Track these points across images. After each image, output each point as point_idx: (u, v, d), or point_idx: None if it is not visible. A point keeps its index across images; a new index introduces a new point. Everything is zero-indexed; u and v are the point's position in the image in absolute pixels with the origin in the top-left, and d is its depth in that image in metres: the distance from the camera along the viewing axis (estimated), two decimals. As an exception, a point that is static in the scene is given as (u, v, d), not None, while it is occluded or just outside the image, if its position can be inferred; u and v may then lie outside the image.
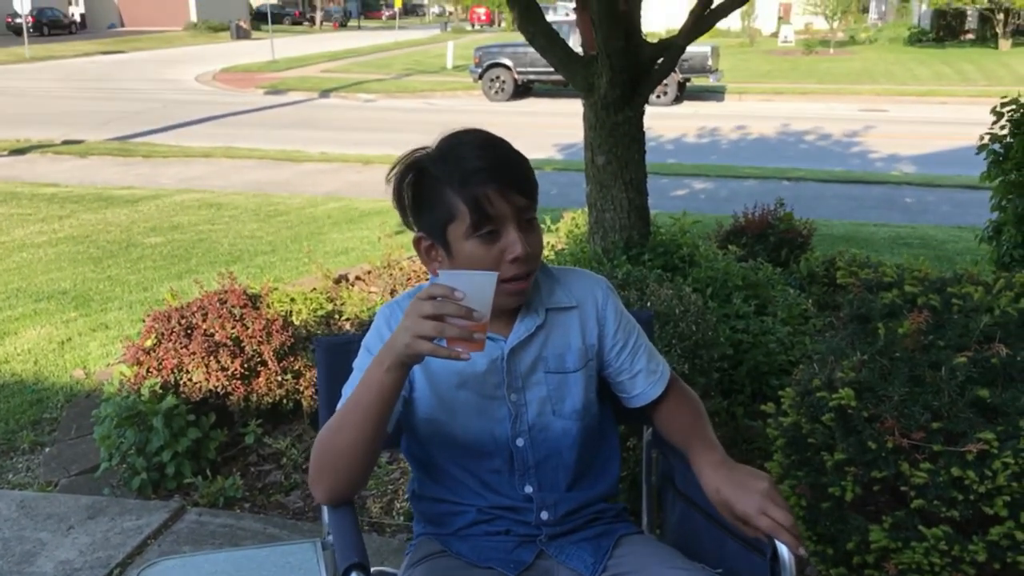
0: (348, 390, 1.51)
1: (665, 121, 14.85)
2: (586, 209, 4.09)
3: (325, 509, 1.58)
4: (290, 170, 11.44)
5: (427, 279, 1.60)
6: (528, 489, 1.54)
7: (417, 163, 1.48)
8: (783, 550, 1.37)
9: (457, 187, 1.41)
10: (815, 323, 3.86)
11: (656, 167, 6.01)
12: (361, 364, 1.53)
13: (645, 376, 1.64)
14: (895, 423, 1.99)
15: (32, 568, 2.65)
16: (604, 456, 1.65)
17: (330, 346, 1.76)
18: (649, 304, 2.78)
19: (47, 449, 3.57)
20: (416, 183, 1.48)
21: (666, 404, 1.66)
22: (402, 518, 2.92)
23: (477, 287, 1.30)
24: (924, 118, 16.61)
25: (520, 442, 1.53)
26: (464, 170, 1.41)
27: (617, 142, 3.74)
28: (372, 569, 1.63)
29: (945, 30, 34.38)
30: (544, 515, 1.54)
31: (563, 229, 5.48)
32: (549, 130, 13.70)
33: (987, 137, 4.07)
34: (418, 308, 1.29)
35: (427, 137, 1.52)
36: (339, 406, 1.50)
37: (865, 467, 2.04)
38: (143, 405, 3.10)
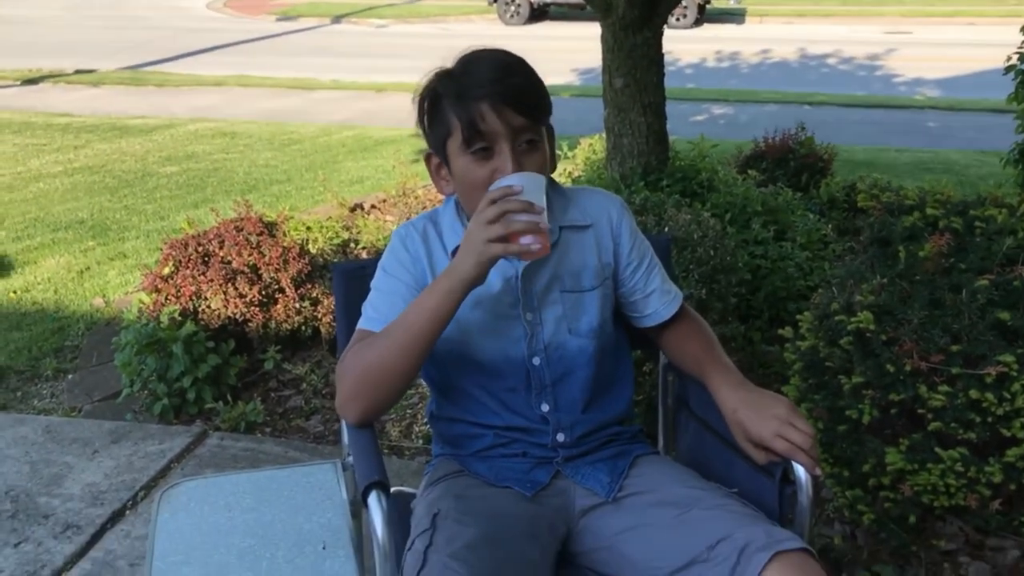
0: (369, 308, 1.52)
1: (684, 44, 14.54)
2: (603, 134, 4.03)
3: (346, 431, 1.60)
4: (303, 98, 11.34)
5: (441, 205, 1.59)
6: (544, 408, 1.54)
7: (432, 81, 1.47)
8: (799, 470, 1.37)
9: (454, 101, 1.41)
10: (834, 248, 3.83)
11: (675, 92, 5.91)
12: (379, 284, 1.53)
13: (659, 296, 1.63)
14: (914, 346, 1.98)
15: (60, 490, 2.71)
16: (618, 377, 1.65)
17: (346, 272, 1.76)
18: (667, 229, 2.76)
19: (70, 376, 3.62)
20: (430, 101, 1.47)
21: (678, 328, 1.65)
22: (421, 441, 2.95)
23: (528, 182, 1.34)
24: (950, 40, 16.18)
25: (536, 360, 1.53)
26: (462, 84, 1.40)
27: (635, 64, 3.66)
28: (391, 489, 1.66)
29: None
30: (560, 437, 1.55)
31: (580, 156, 5.42)
32: (566, 55, 13.45)
33: (1015, 57, 3.96)
34: (481, 218, 1.32)
35: (440, 64, 1.49)
36: (362, 325, 1.50)
37: (882, 390, 2.04)
38: (163, 332, 3.12)
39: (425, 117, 1.50)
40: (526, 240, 1.31)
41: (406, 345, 1.39)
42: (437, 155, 1.51)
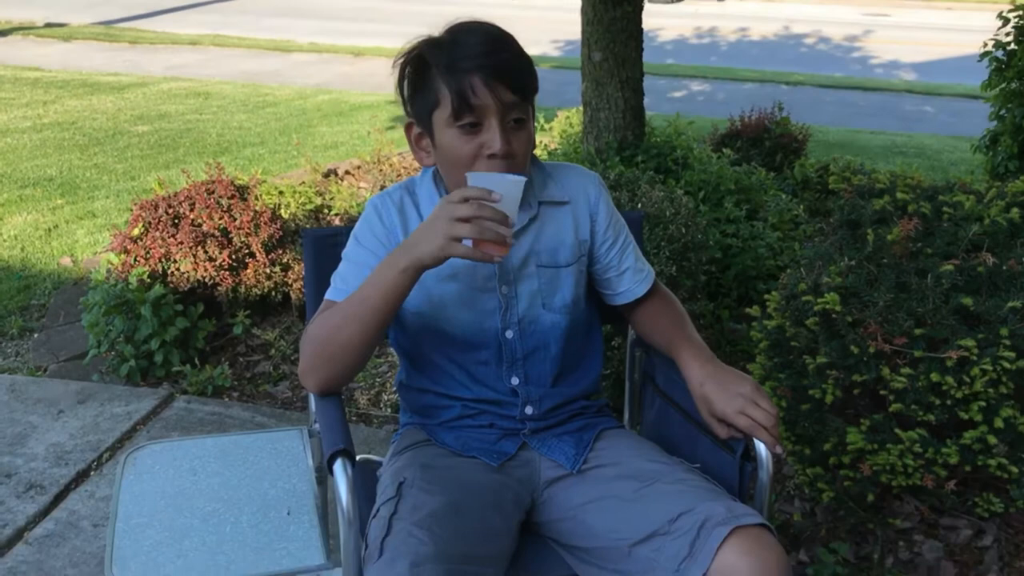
0: (339, 279, 1.51)
1: (665, 20, 14.53)
2: (581, 108, 4.03)
3: (312, 398, 1.60)
4: (280, 60, 11.20)
5: (417, 173, 1.58)
6: (515, 381, 1.55)
7: (417, 47, 1.44)
8: (760, 448, 1.40)
9: (444, 72, 1.39)
10: (806, 229, 3.86)
11: (654, 67, 5.90)
12: (349, 254, 1.52)
13: (632, 274, 1.64)
14: (878, 328, 2.01)
15: (24, 449, 2.69)
16: (588, 353, 1.66)
17: (317, 238, 1.75)
18: (640, 206, 2.77)
19: (36, 335, 3.58)
20: (414, 68, 1.45)
21: (649, 305, 1.66)
22: (389, 410, 2.96)
23: (509, 190, 1.29)
24: (928, 23, 16.27)
25: (509, 334, 1.54)
26: (454, 55, 1.38)
27: (614, 38, 3.66)
28: (358, 457, 1.66)
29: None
30: (528, 410, 1.56)
31: (557, 128, 5.42)
32: (546, 25, 13.39)
33: (990, 43, 3.99)
34: (451, 211, 1.28)
35: (418, 30, 1.47)
36: (329, 295, 1.50)
37: (846, 371, 2.07)
38: (131, 293, 3.10)
39: (407, 84, 1.47)
40: (489, 249, 1.29)
41: (362, 318, 1.39)
42: (419, 125, 1.48)
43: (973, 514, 2.28)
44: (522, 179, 1.30)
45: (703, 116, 6.85)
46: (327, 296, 1.50)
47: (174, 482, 1.63)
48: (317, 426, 1.60)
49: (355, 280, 1.47)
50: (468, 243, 1.28)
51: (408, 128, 1.52)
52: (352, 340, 1.41)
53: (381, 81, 9.21)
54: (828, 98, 9.66)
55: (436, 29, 1.45)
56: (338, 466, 1.33)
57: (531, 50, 1.46)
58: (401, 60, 1.47)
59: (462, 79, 1.37)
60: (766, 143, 4.99)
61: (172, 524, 1.52)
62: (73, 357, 3.35)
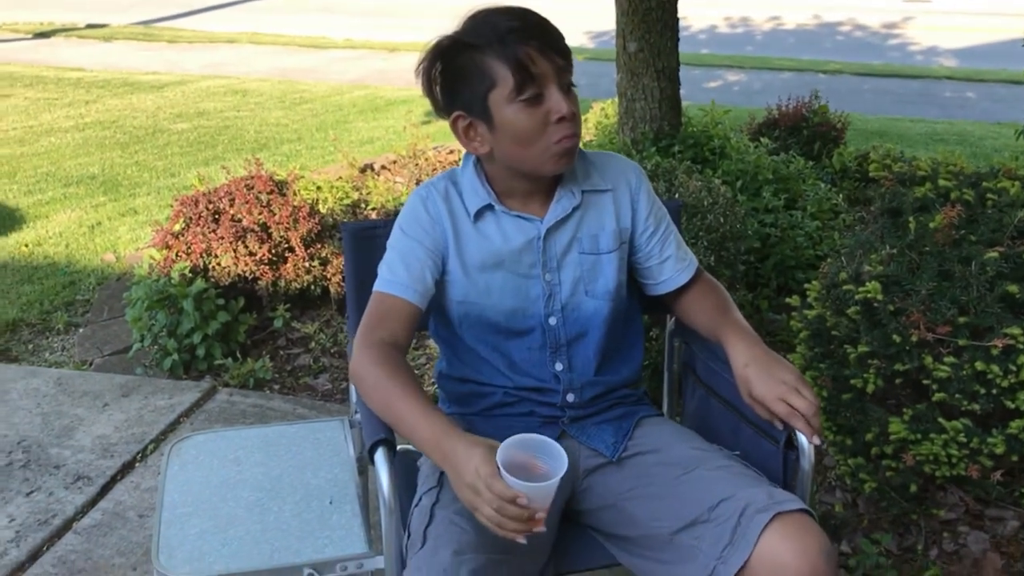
0: (386, 270, 1.50)
1: (693, 9, 14.38)
2: (616, 99, 4.01)
3: (353, 389, 1.61)
4: (315, 57, 11.28)
5: (456, 164, 1.58)
6: (558, 367, 1.55)
7: (447, 40, 1.43)
8: (802, 438, 1.39)
9: (497, 49, 1.37)
10: (845, 218, 3.82)
11: (689, 57, 5.87)
12: (396, 244, 1.52)
13: (674, 262, 1.63)
14: (921, 317, 1.98)
15: (71, 441, 2.75)
16: (630, 341, 1.66)
17: (356, 232, 1.76)
18: (678, 196, 2.76)
19: (81, 330, 3.65)
20: (449, 60, 1.43)
21: (692, 292, 1.65)
22: (427, 402, 2.97)
23: (542, 495, 1.20)
24: (969, 8, 15.95)
25: (553, 320, 1.54)
26: (501, 31, 1.37)
27: (650, 28, 3.64)
28: (397, 447, 1.68)
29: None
30: (570, 397, 1.56)
31: (592, 120, 5.40)
32: (580, 17, 13.33)
33: (1035, 28, 3.91)
34: (473, 503, 1.21)
35: (453, 23, 1.46)
36: (377, 287, 1.49)
37: (888, 360, 2.05)
38: (173, 288, 3.14)
39: (443, 78, 1.45)
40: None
41: (387, 418, 1.38)
42: (469, 114, 1.45)
43: (1020, 505, 2.24)
44: (555, 482, 1.21)
45: (739, 106, 6.79)
46: (376, 288, 1.49)
47: (218, 472, 1.66)
48: (358, 416, 1.61)
49: (402, 270, 1.47)
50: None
51: (455, 122, 1.47)
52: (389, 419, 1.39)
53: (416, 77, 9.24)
54: (866, 86, 9.52)
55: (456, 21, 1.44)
56: (379, 455, 1.34)
57: (568, 42, 1.46)
58: (428, 59, 1.45)
59: (519, 51, 1.36)
60: (804, 132, 4.93)
61: (217, 513, 1.54)
62: (117, 351, 3.41)
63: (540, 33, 1.38)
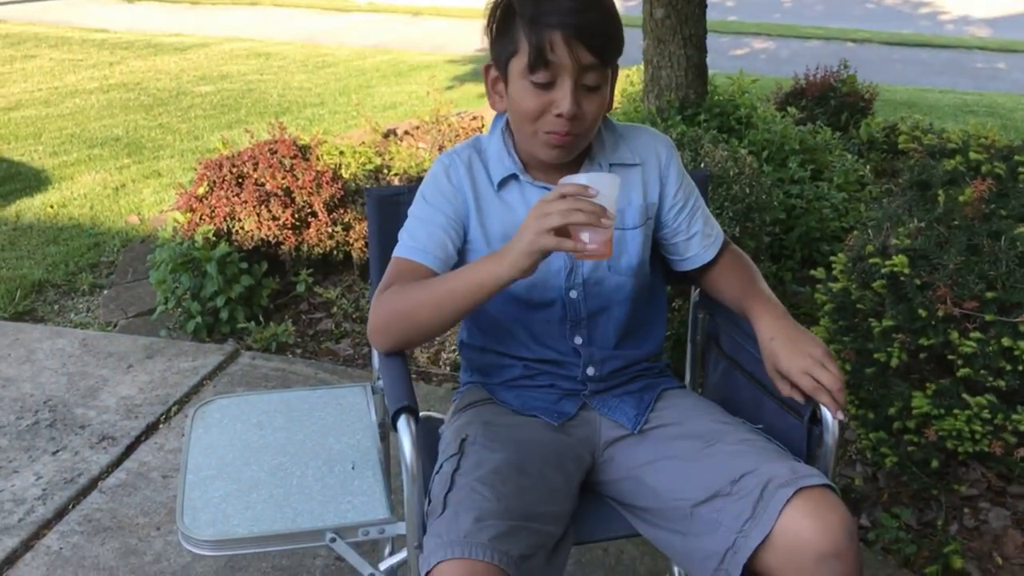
0: (407, 236, 1.50)
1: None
2: (642, 66, 3.97)
3: (376, 355, 1.62)
4: (338, 20, 11.22)
5: (478, 132, 1.57)
6: (578, 340, 1.55)
7: None
8: (826, 413, 1.38)
9: (527, 23, 1.35)
10: (872, 190, 3.78)
11: (715, 24, 5.78)
12: (417, 212, 1.52)
13: (700, 239, 1.61)
14: (948, 291, 1.96)
15: (96, 402, 2.78)
16: (652, 316, 1.65)
17: (380, 198, 1.75)
18: (703, 165, 2.73)
19: (105, 291, 3.68)
20: (502, 12, 1.42)
21: (719, 266, 1.64)
22: (448, 368, 2.99)
23: (605, 186, 1.24)
24: (1003, -22, 15.65)
25: (573, 294, 1.53)
26: (538, 8, 1.34)
27: (677, -6, 3.58)
28: (420, 414, 1.68)
29: None
30: (590, 371, 1.56)
31: (617, 87, 5.34)
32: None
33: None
34: (543, 207, 1.24)
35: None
36: (397, 252, 1.50)
37: (913, 335, 2.03)
38: (197, 251, 3.16)
39: (494, 27, 1.44)
40: (586, 236, 1.23)
41: (443, 307, 1.38)
42: (497, 69, 1.46)
43: (1042, 482, 2.23)
44: (617, 178, 1.26)
45: (766, 75, 6.71)
46: (396, 254, 1.50)
47: (242, 436, 1.67)
48: (380, 382, 1.61)
49: (424, 237, 1.47)
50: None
51: (486, 70, 1.49)
52: (429, 324, 1.41)
53: (440, 41, 9.17)
54: (896, 56, 9.38)
55: None
56: (402, 422, 1.34)
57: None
58: (492, 4, 1.44)
59: (543, 34, 1.34)
60: (831, 102, 4.88)
61: (240, 476, 1.56)
62: (141, 313, 3.43)
63: (577, 23, 1.33)
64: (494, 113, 1.56)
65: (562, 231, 1.23)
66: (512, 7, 1.39)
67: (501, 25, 1.42)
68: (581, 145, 1.46)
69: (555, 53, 1.34)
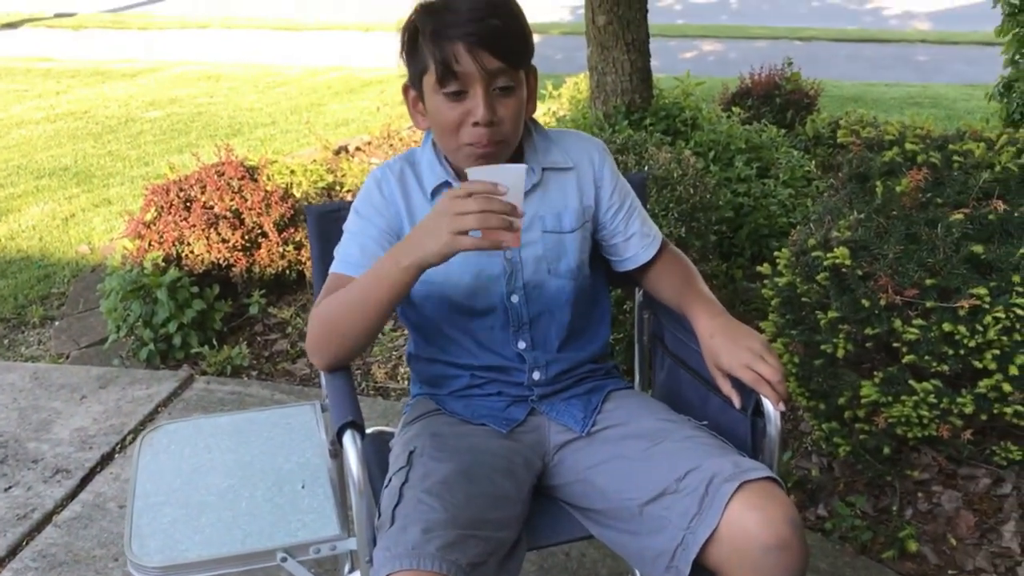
0: (341, 252, 1.51)
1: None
2: (587, 73, 4.00)
3: (323, 374, 1.61)
4: (289, 39, 11.18)
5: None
6: (521, 345, 1.55)
7: (413, 13, 1.44)
8: (768, 404, 1.39)
9: (430, 39, 1.38)
10: (818, 185, 3.83)
11: (663, 28, 5.85)
12: (350, 227, 1.53)
13: (638, 239, 1.63)
14: (889, 281, 1.99)
15: (49, 435, 2.73)
16: (596, 318, 1.66)
17: (321, 214, 1.75)
18: (647, 168, 2.76)
19: (56, 323, 3.63)
20: (409, 34, 1.44)
21: (658, 266, 1.66)
22: (406, 383, 2.98)
23: (512, 180, 1.25)
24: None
25: (515, 299, 1.54)
26: (438, 22, 1.37)
27: (618, 1, 3.62)
28: (370, 429, 1.68)
29: None
30: (536, 375, 1.57)
31: (565, 95, 5.37)
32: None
33: (1003, -12, 3.91)
34: (456, 206, 1.24)
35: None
36: (333, 268, 1.50)
37: (858, 324, 2.07)
38: (146, 278, 3.12)
39: (406, 48, 1.46)
40: (499, 236, 1.25)
41: (364, 310, 1.38)
42: (414, 89, 1.48)
43: (991, 463, 2.27)
44: (523, 167, 1.27)
45: (715, 76, 6.78)
46: (332, 270, 1.51)
47: (190, 460, 1.65)
48: (329, 400, 1.61)
49: (357, 252, 1.48)
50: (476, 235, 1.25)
51: (405, 91, 1.51)
52: (354, 328, 1.41)
53: (390, 56, 9.18)
54: (842, 52, 9.53)
55: None
56: (347, 437, 1.34)
57: (541, 17, 1.45)
58: (402, 27, 1.46)
59: (446, 47, 1.36)
60: (777, 100, 4.94)
61: (189, 501, 1.54)
62: (94, 343, 3.39)
63: (478, 32, 1.35)
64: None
65: None
66: (416, 26, 1.42)
67: (410, 46, 1.44)
68: (506, 152, 1.46)
69: (460, 63, 1.36)
